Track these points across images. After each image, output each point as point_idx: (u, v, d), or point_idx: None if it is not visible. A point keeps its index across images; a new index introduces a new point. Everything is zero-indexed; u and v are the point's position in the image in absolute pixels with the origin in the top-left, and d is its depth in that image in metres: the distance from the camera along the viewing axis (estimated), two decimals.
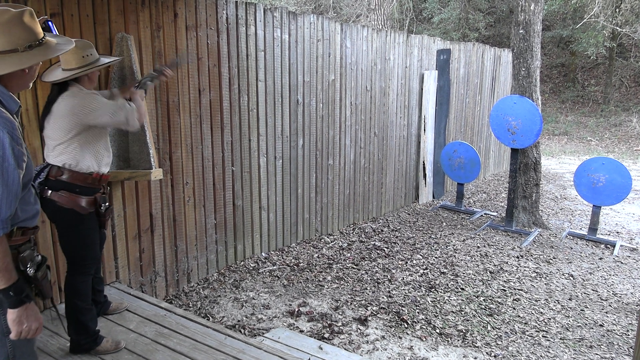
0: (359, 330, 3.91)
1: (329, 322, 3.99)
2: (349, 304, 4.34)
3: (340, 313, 4.16)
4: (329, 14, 17.43)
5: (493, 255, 5.62)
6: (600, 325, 4.18)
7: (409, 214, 7.18)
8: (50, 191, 2.70)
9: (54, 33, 2.01)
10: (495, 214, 7.33)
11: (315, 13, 15.84)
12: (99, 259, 2.98)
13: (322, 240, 5.87)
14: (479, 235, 6.35)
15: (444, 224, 6.82)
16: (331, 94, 5.84)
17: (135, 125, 2.84)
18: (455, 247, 5.85)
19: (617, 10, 15.35)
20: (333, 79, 5.83)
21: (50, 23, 2.00)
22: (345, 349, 3.61)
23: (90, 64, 2.80)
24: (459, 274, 5.06)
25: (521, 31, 6.63)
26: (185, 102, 4.28)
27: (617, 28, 15.40)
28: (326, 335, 3.79)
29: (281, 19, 5.12)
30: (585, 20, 14.87)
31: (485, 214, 7.34)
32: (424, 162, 7.66)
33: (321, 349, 3.46)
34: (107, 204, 2.90)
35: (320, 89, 5.68)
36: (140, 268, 4.08)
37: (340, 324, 3.98)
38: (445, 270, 5.13)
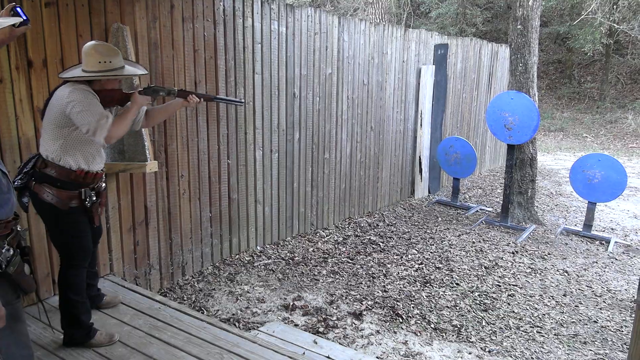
0: (353, 324, 3.91)
1: (323, 316, 3.98)
2: (344, 298, 4.34)
3: (335, 307, 4.16)
4: (326, 7, 17.36)
5: (488, 251, 5.62)
6: (595, 321, 4.19)
7: (404, 209, 7.18)
8: (34, 182, 2.65)
9: (24, 18, 1.94)
10: (490, 209, 7.34)
11: (313, 6, 15.78)
12: (89, 253, 2.90)
13: (318, 234, 5.86)
14: (474, 230, 6.36)
15: (440, 219, 6.82)
16: (328, 88, 5.82)
17: (100, 142, 2.63)
18: (450, 242, 5.85)
19: (614, 6, 15.34)
20: (330, 72, 5.81)
21: (18, 9, 1.94)
22: (340, 343, 3.61)
23: (105, 71, 2.67)
24: (454, 269, 5.06)
25: (519, 27, 6.61)
26: None
27: (614, 25, 15.39)
28: (321, 329, 3.78)
29: (278, 12, 5.08)
30: (582, 16, 14.86)
31: (480, 209, 7.34)
32: (420, 157, 7.65)
33: (316, 343, 3.45)
34: (94, 198, 2.80)
35: (317, 83, 5.65)
36: (134, 261, 4.06)
37: (335, 318, 3.97)
38: (440, 265, 5.13)
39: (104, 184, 2.96)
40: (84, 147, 2.72)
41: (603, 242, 6.17)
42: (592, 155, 6.42)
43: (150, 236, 4.15)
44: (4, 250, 1.84)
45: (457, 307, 4.28)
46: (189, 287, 4.37)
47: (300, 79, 5.43)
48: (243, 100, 3.14)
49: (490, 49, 9.56)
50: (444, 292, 4.55)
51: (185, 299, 4.17)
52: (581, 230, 6.40)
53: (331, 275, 4.80)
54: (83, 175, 2.71)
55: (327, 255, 5.25)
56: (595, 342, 3.88)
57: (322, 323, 3.87)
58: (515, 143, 6.49)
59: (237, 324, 3.80)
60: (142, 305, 3.45)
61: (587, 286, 4.87)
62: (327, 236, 5.83)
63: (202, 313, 3.86)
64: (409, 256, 5.36)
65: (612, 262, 5.50)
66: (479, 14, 17.20)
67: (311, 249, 5.40)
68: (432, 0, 17.75)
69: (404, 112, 7.24)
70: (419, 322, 4.01)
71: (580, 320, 4.21)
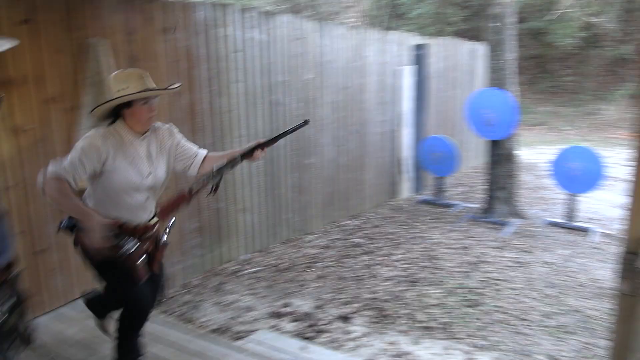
0: (342, 328, 3.93)
1: (312, 321, 4.00)
2: (332, 302, 4.36)
3: (323, 312, 4.18)
4: (305, 12, 17.41)
5: (473, 247, 5.68)
6: (580, 311, 4.26)
7: (389, 210, 7.23)
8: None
9: None
10: (474, 206, 7.40)
11: (292, 12, 15.83)
12: (130, 303, 2.63)
13: (304, 239, 5.88)
14: (459, 227, 6.42)
15: (425, 218, 6.88)
16: (309, 93, 5.85)
17: (38, 182, 2.34)
18: (436, 240, 5.91)
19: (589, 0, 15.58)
20: (311, 77, 5.84)
21: None
22: (329, 347, 3.63)
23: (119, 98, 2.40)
24: (440, 267, 5.11)
25: (495, 24, 6.69)
26: (161, 106, 4.24)
27: (590, 18, 15.63)
28: (310, 334, 3.80)
29: (256, 20, 5.10)
30: (558, 11, 15.07)
31: (464, 206, 7.40)
32: (403, 157, 7.70)
33: (305, 348, 3.47)
34: (131, 247, 2.42)
35: (298, 88, 5.68)
36: None
37: (323, 322, 3.99)
38: (426, 264, 5.17)
39: (164, 237, 2.67)
40: (115, 195, 2.47)
41: (585, 232, 6.26)
42: (572, 148, 6.53)
43: None
44: (4, 301, 1.72)
45: (445, 305, 4.32)
46: (175, 300, 4.36)
47: (280, 86, 5.45)
48: (307, 119, 2.76)
49: (469, 48, 9.66)
50: (431, 290, 4.59)
51: (172, 312, 4.16)
52: (564, 221, 6.49)
53: (319, 279, 4.82)
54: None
55: (314, 260, 5.27)
56: (581, 332, 3.94)
57: (311, 328, 3.89)
58: (495, 139, 6.57)
59: (225, 335, 3.81)
60: None
61: (571, 277, 4.94)
62: (313, 241, 5.85)
63: (190, 325, 3.86)
64: (396, 257, 5.39)
65: (595, 252, 5.59)
66: (457, 13, 17.36)
67: (298, 254, 5.42)
68: (411, 2, 17.88)
69: (386, 114, 7.29)
70: (407, 321, 4.04)
71: (565, 310, 4.27)
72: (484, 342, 3.75)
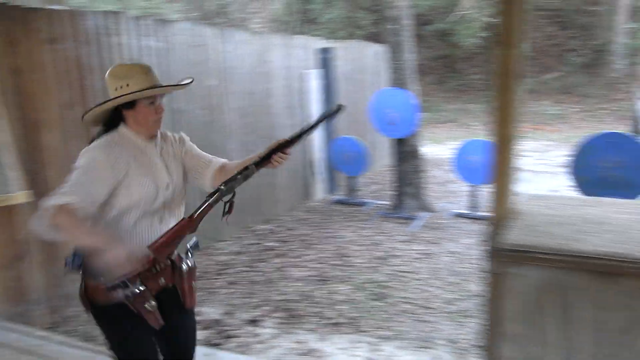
0: (251, 331, 3.94)
1: (221, 327, 3.98)
2: (242, 307, 4.35)
3: (232, 317, 4.17)
4: (217, 19, 17.25)
5: (383, 243, 5.86)
6: (480, 295, 4.49)
7: (304, 212, 7.30)
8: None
9: None
10: (386, 203, 7.62)
11: (203, 20, 15.64)
12: None
13: (215, 247, 5.83)
14: (370, 224, 6.60)
15: (338, 217, 7.01)
16: (213, 100, 5.81)
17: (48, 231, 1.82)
18: (348, 239, 6.04)
19: (486, 2, 16.53)
20: (214, 84, 5.80)
21: None
22: (237, 352, 3.63)
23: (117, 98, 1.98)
24: (350, 264, 5.23)
25: (393, 26, 6.95)
26: (51, 119, 4.08)
27: (489, 19, 16.57)
28: (218, 341, 3.78)
29: (152, 27, 5.01)
30: (458, 13, 15.87)
31: (376, 204, 7.61)
32: (315, 159, 7.82)
33: (211, 355, 3.44)
34: (136, 290, 1.92)
35: (201, 96, 5.62)
36: (14, 298, 3.84)
37: (232, 328, 3.98)
38: (337, 262, 5.28)
39: (184, 265, 2.18)
40: (119, 217, 2.00)
41: (488, 220, 6.60)
42: (471, 142, 6.88)
43: (30, 270, 3.94)
44: None
45: (353, 300, 4.43)
46: (78, 318, 4.18)
47: (182, 93, 5.37)
48: (342, 104, 2.26)
49: (374, 50, 9.95)
50: (341, 287, 4.70)
51: (74, 331, 3.99)
52: (469, 212, 6.83)
53: (230, 286, 4.80)
54: None
55: (225, 267, 5.24)
56: (480, 315, 4.16)
57: (219, 335, 3.87)
58: (399, 137, 6.81)
59: None
60: (21, 343, 3.28)
61: (474, 263, 5.20)
62: (225, 248, 5.81)
63: (92, 343, 3.72)
64: (308, 257, 5.47)
65: None
66: (366, 16, 17.83)
67: (209, 262, 5.37)
68: (320, 7, 18.17)
69: (294, 118, 7.37)
70: (316, 320, 4.10)
71: (467, 296, 4.50)
72: (389, 333, 3.88)
